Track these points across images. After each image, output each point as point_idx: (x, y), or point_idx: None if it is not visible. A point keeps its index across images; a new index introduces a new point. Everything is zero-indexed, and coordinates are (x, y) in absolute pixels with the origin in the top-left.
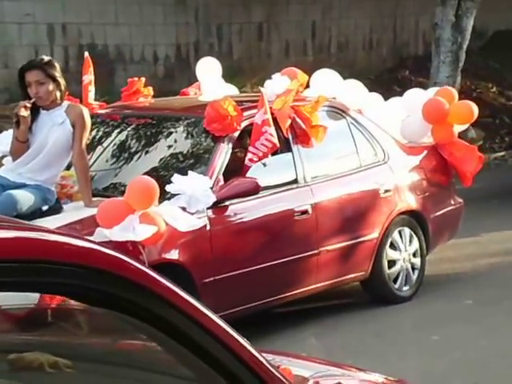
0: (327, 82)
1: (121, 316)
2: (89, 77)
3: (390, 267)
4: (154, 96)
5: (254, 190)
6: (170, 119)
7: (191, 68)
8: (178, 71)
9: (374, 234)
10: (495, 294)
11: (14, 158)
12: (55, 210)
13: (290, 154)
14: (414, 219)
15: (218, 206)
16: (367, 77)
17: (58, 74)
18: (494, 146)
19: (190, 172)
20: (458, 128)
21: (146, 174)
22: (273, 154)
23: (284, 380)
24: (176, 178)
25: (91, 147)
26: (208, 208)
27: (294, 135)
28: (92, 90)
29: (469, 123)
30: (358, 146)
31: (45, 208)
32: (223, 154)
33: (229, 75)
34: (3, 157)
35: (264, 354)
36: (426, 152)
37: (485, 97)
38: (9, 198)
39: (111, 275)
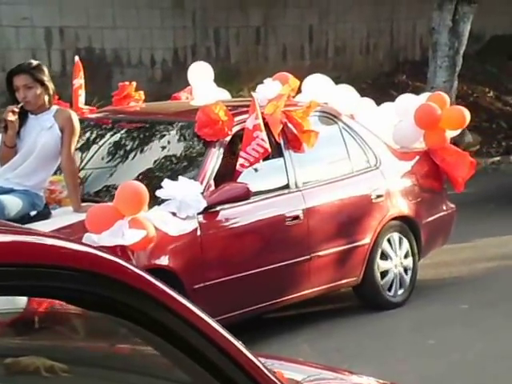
0: (319, 87)
1: (117, 320)
2: (79, 81)
3: (381, 273)
4: (151, 100)
5: (245, 195)
6: (161, 124)
7: None
8: (176, 75)
9: (366, 240)
10: (492, 298)
11: (1, 163)
12: (43, 215)
13: (281, 159)
14: (406, 225)
15: (208, 212)
16: (364, 81)
17: (46, 78)
18: (491, 151)
19: (180, 177)
20: (450, 133)
21: (137, 178)
22: (264, 159)
23: None
24: (166, 183)
25: (81, 152)
26: (199, 213)
27: (286, 140)
28: (82, 94)
29: (461, 128)
30: (350, 151)
31: (33, 213)
32: (214, 158)
33: (226, 79)
34: None
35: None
36: (418, 157)
37: (482, 101)
38: None
39: (108, 279)
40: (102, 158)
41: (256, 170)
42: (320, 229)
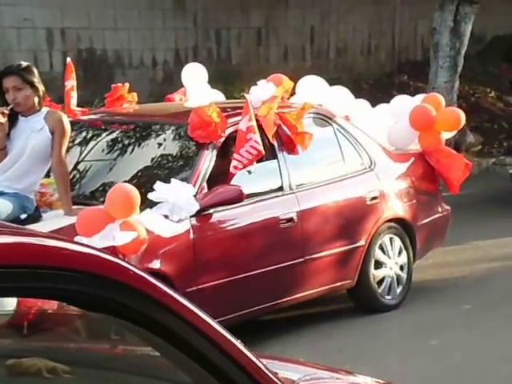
0: (313, 89)
1: (118, 321)
2: (71, 82)
3: (376, 276)
4: (153, 101)
5: (239, 197)
6: (154, 125)
7: None
8: (177, 76)
9: (361, 242)
10: (494, 299)
11: None
12: (34, 218)
13: (275, 161)
14: (401, 227)
15: (201, 214)
16: (365, 81)
17: (36, 79)
18: (493, 151)
19: (173, 179)
20: (445, 135)
21: (129, 181)
22: (258, 162)
23: None
24: (158, 185)
25: (72, 154)
26: (191, 216)
27: (280, 142)
28: (74, 95)
29: (456, 130)
30: (345, 153)
31: (23, 216)
32: (207, 161)
33: (227, 80)
34: None
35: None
36: (413, 159)
37: (483, 102)
38: None
39: (109, 280)
40: (94, 161)
41: (249, 172)
42: (314, 231)
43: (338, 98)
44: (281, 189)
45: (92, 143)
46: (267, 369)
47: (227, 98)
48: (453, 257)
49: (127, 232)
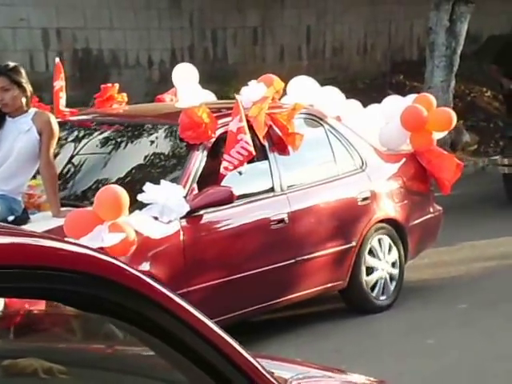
0: (304, 89)
1: (115, 321)
2: (60, 83)
3: (368, 276)
4: (149, 101)
5: (229, 198)
6: (144, 126)
7: None
8: None
9: (352, 243)
10: (490, 298)
11: None
12: (22, 220)
13: (266, 162)
14: (393, 227)
15: (191, 216)
16: (361, 81)
17: (23, 80)
18: (489, 150)
19: (162, 181)
20: (436, 135)
21: (118, 182)
22: (249, 162)
23: None
24: (148, 186)
25: (62, 155)
26: (182, 217)
27: (271, 143)
28: (63, 96)
29: (447, 130)
30: (336, 153)
31: (11, 218)
32: (197, 162)
33: (223, 80)
34: None
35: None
36: (404, 160)
37: (479, 101)
38: None
39: (105, 280)
40: (83, 161)
41: (240, 173)
42: (305, 232)
43: (330, 99)
44: (272, 190)
45: (81, 144)
46: (263, 368)
47: (223, 98)
48: (449, 256)
49: (116, 233)
